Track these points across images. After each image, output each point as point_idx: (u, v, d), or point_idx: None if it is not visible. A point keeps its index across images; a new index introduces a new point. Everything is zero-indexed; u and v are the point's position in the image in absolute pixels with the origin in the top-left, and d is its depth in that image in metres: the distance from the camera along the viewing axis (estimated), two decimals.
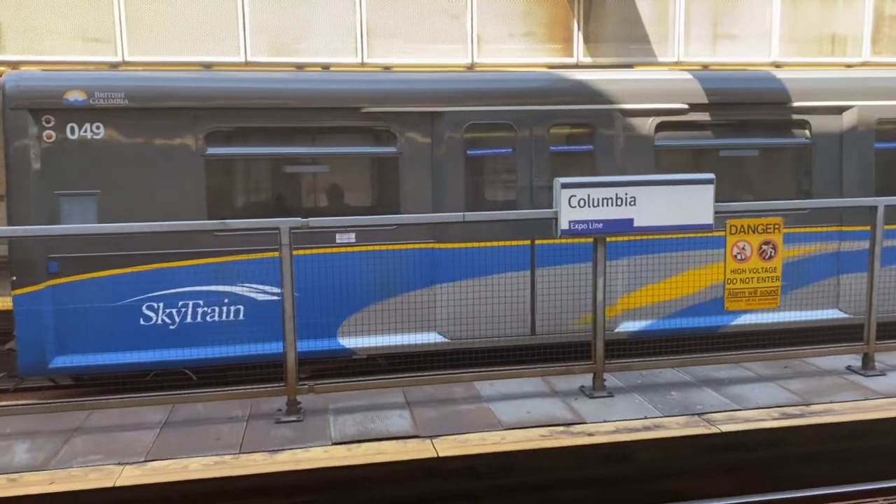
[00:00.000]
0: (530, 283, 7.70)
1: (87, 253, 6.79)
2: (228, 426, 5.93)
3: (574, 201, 6.09)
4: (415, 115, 7.59)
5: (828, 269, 8.24)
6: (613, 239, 6.39)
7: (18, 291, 6.86)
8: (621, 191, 6.13)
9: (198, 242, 7.03)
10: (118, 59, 10.41)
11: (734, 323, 8.00)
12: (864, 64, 11.90)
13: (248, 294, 7.21)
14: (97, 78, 7.30)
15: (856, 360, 7.15)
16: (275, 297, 7.14)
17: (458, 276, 7.45)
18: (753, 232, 6.46)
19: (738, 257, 6.47)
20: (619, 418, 5.99)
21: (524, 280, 7.66)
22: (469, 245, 7.36)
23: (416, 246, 7.44)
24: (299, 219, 6.02)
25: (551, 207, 7.46)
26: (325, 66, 10.40)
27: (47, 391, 7.92)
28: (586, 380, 6.62)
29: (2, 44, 10.28)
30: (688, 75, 8.62)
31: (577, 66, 11.30)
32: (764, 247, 6.48)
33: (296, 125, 7.51)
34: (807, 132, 8.38)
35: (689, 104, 8.05)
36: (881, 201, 6.78)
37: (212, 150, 7.26)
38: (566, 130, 8.14)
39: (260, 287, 7.20)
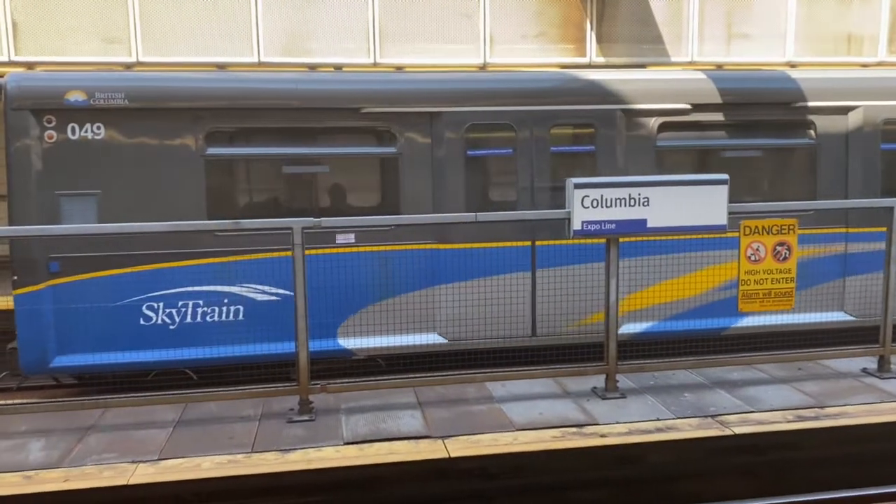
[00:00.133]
0: (531, 285, 7.66)
1: (88, 253, 6.83)
2: (241, 425, 5.95)
3: (587, 202, 6.06)
4: (415, 116, 7.57)
5: (833, 271, 8.15)
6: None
7: (19, 291, 6.91)
8: (635, 191, 6.10)
9: (198, 243, 7.04)
10: (132, 59, 10.48)
11: (736, 325, 7.92)
12: (879, 64, 11.80)
13: (247, 294, 7.23)
14: (98, 78, 7.33)
15: (871, 363, 7.09)
16: (274, 298, 7.18)
17: (458, 276, 7.43)
18: (768, 233, 6.41)
19: (753, 258, 6.42)
20: (631, 420, 5.96)
21: (525, 281, 7.62)
22: (469, 246, 7.35)
23: (417, 246, 7.43)
24: (311, 219, 6.03)
25: (551, 208, 7.49)
26: (338, 67, 10.43)
27: (61, 389, 7.97)
28: (598, 381, 6.60)
29: (18, 44, 10.37)
30: (690, 75, 8.57)
31: (589, 66, 11.27)
32: (778, 248, 6.43)
33: (296, 126, 7.51)
34: (811, 133, 8.30)
35: (691, 104, 7.98)
36: None
37: (212, 151, 7.28)
38: (567, 131, 8.10)
39: (259, 287, 7.22)
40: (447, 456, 5.40)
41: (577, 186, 6.06)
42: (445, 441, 5.60)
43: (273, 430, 5.85)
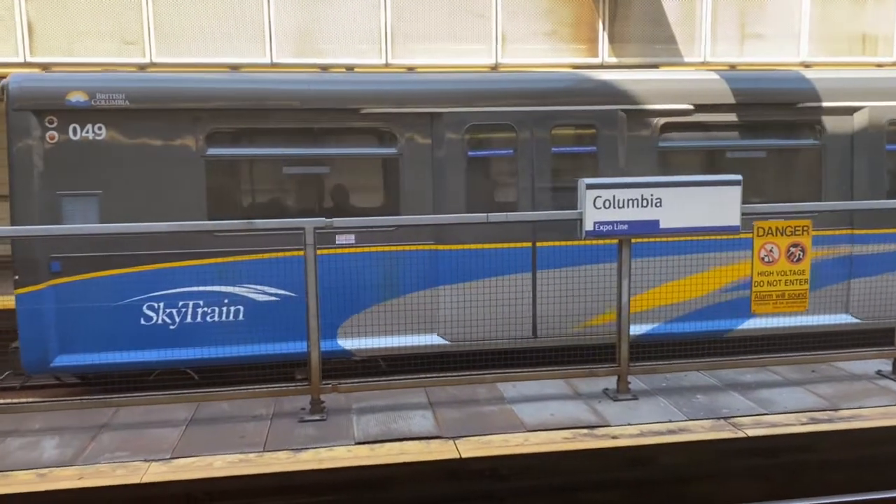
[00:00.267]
0: (531, 285, 7.63)
1: (89, 253, 6.86)
2: (253, 424, 5.97)
3: (599, 202, 6.02)
4: (415, 116, 7.55)
5: (839, 273, 8.07)
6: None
7: (21, 291, 6.94)
8: (647, 192, 6.06)
9: (199, 243, 7.06)
10: (146, 60, 10.56)
11: (741, 327, 7.86)
12: (895, 64, 11.71)
13: (247, 295, 7.24)
14: (99, 79, 7.36)
15: (885, 365, 7.02)
16: (273, 298, 7.19)
17: (459, 278, 7.41)
18: (782, 234, 6.37)
19: (766, 259, 6.38)
20: (643, 421, 5.94)
21: (525, 282, 7.59)
22: (470, 247, 7.34)
23: (417, 247, 7.42)
24: (323, 219, 6.04)
25: (552, 209, 7.46)
26: (350, 68, 10.47)
27: (74, 388, 8.01)
28: (609, 382, 6.58)
29: (33, 45, 10.46)
30: (693, 75, 8.51)
31: (602, 66, 11.24)
32: (792, 249, 6.38)
33: (296, 126, 7.51)
34: (816, 133, 8.23)
35: (694, 105, 7.92)
36: None
37: (212, 151, 7.29)
38: (568, 131, 8.05)
39: (259, 288, 7.23)
40: (458, 456, 5.39)
41: (590, 187, 6.02)
42: (457, 441, 5.59)
43: (285, 429, 5.86)
